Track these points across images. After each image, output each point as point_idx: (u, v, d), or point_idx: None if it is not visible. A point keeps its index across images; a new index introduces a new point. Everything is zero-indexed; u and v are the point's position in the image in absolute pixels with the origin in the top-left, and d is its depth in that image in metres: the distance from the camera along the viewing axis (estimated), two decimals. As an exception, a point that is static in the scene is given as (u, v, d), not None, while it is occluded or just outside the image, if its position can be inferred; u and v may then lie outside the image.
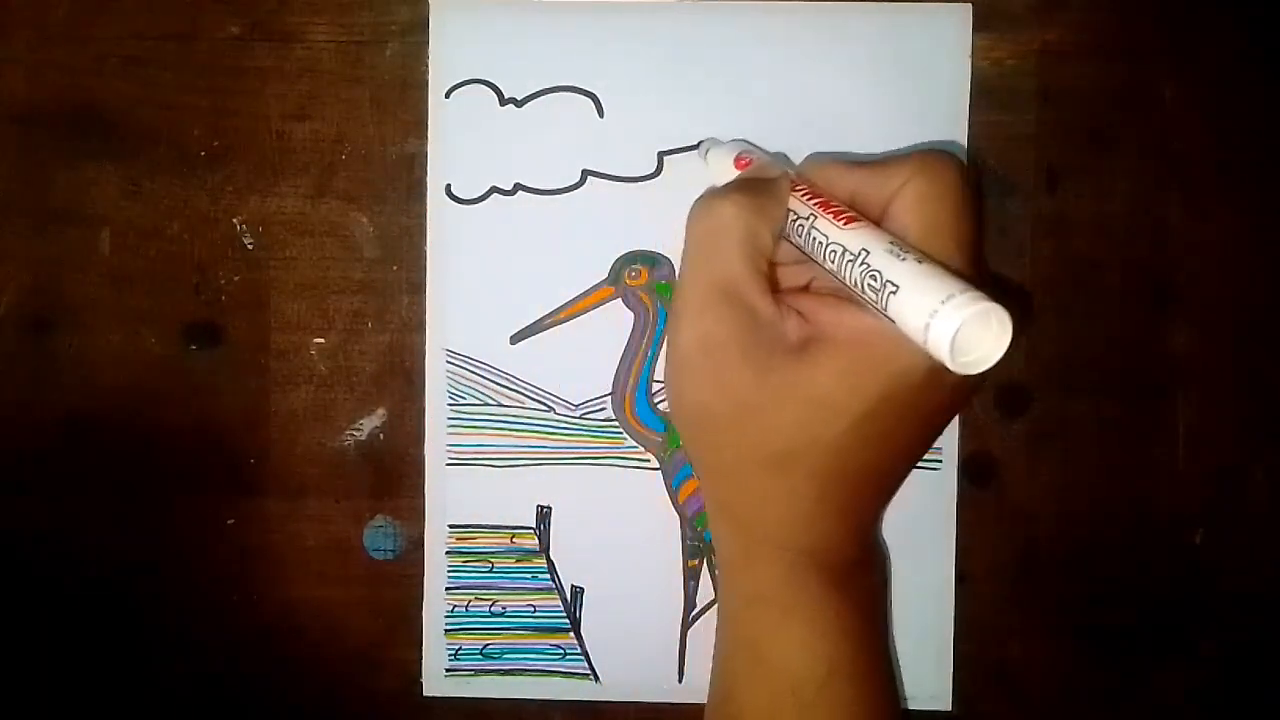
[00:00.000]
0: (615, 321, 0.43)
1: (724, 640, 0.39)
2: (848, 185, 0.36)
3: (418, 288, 0.43)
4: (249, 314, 0.43)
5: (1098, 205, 0.43)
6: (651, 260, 0.43)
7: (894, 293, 0.31)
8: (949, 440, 0.43)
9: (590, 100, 0.43)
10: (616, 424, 0.43)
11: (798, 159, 0.42)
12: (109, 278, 0.43)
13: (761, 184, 0.37)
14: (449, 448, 0.43)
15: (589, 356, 0.43)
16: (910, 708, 0.43)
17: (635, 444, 0.43)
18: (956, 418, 0.42)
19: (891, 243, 0.33)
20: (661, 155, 0.43)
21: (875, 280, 0.32)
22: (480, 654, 0.43)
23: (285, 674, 0.44)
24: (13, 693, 0.44)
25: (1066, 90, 0.42)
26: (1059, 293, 0.43)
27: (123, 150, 0.43)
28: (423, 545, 0.43)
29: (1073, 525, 0.43)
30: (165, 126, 0.43)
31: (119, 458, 0.43)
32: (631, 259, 0.43)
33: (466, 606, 0.43)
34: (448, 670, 0.43)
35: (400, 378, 0.43)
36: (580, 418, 0.43)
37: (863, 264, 0.33)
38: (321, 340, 0.44)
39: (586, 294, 0.43)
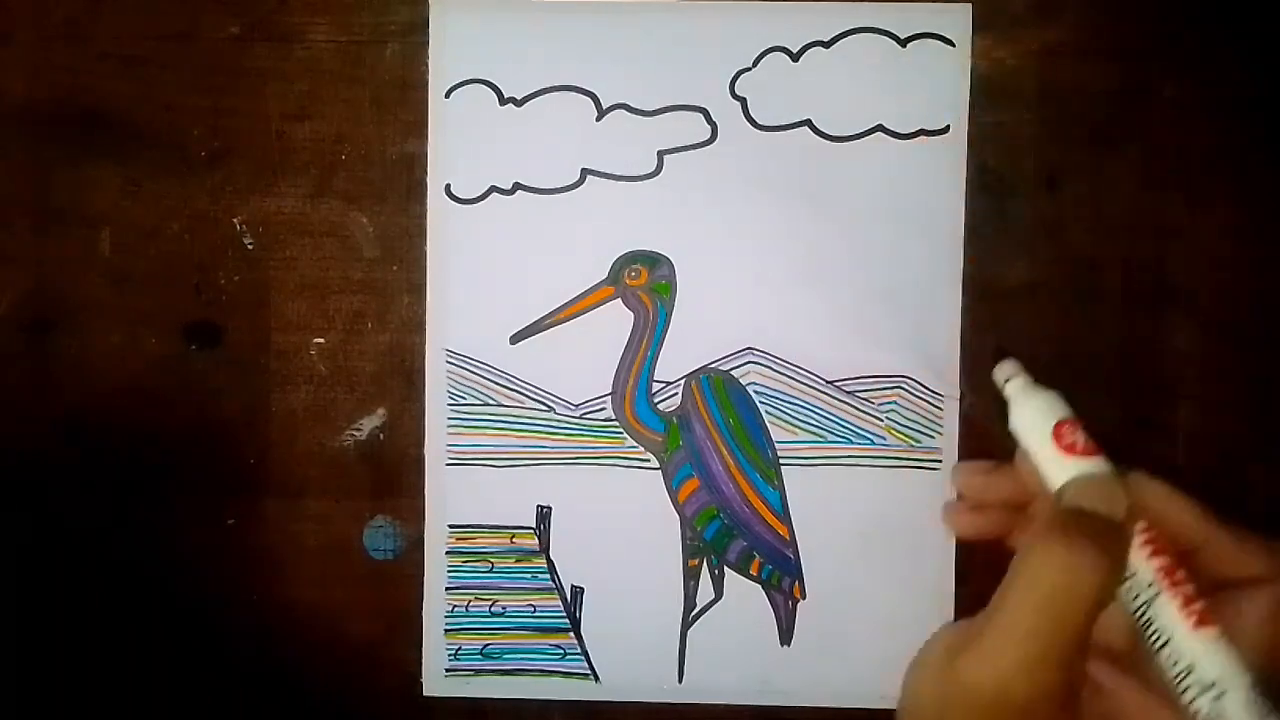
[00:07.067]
0: (615, 321, 0.43)
1: None
2: (1194, 538, 0.32)
3: (418, 288, 0.43)
4: (249, 314, 0.43)
5: (1098, 205, 0.43)
6: (651, 260, 0.43)
7: None
8: (949, 440, 0.43)
9: (590, 100, 0.43)
10: (616, 424, 0.43)
11: (804, 160, 0.42)
12: (109, 278, 0.43)
13: (1114, 533, 0.31)
14: (449, 448, 0.43)
15: (589, 356, 0.43)
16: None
17: (635, 444, 0.43)
18: (956, 416, 0.42)
19: (1253, 688, 0.28)
20: (661, 155, 0.43)
21: None
22: (480, 654, 0.43)
23: (285, 674, 0.44)
24: (12, 691, 0.44)
25: (1066, 90, 0.42)
26: (1059, 293, 0.43)
27: (123, 150, 0.43)
28: (423, 545, 0.43)
29: (1073, 525, 0.43)
30: (165, 126, 0.43)
31: (119, 458, 0.43)
32: (631, 259, 0.43)
33: (466, 606, 0.43)
34: (448, 670, 0.43)
35: (400, 378, 0.43)
36: (580, 418, 0.43)
37: (1215, 698, 0.28)
38: (321, 340, 0.44)
39: (586, 294, 0.43)
